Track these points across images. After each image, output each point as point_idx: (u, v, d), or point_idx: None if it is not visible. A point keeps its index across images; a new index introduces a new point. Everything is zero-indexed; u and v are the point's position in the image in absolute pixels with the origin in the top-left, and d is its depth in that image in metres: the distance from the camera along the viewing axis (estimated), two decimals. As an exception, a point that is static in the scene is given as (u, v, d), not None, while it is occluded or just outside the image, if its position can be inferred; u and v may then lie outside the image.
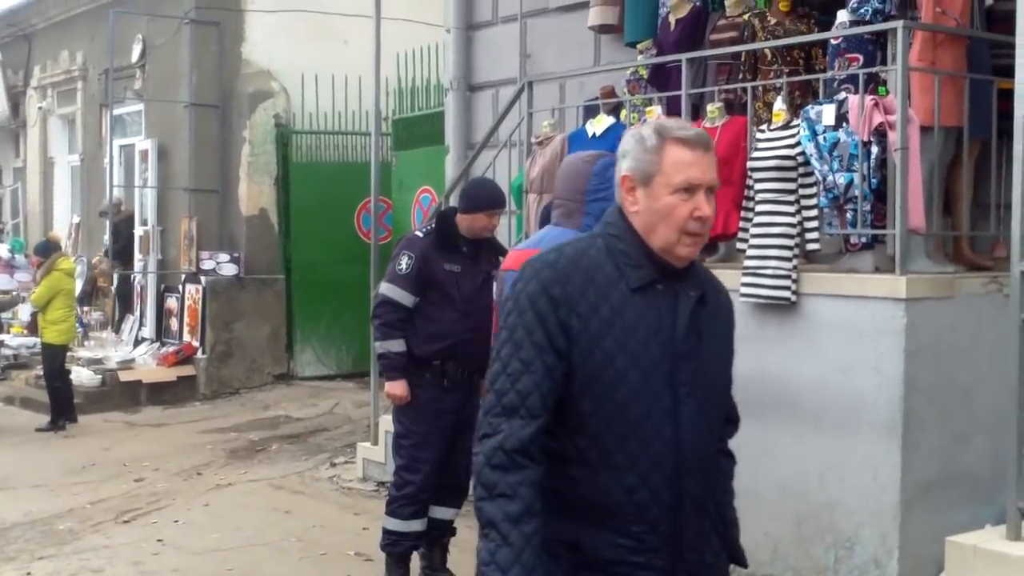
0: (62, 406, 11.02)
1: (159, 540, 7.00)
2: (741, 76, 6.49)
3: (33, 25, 16.56)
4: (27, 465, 9.36)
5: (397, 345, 5.54)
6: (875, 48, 5.69)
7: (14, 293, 14.48)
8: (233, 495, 8.19)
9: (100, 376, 12.10)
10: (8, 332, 14.49)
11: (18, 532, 7.31)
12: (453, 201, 6.72)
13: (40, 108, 16.61)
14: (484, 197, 5.63)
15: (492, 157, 7.79)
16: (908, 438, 5.11)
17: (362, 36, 9.69)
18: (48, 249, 11.58)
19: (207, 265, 12.55)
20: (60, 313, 11.03)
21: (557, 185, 3.88)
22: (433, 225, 5.71)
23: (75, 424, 11.02)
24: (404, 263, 5.54)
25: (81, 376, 11.82)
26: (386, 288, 5.60)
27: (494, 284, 3.97)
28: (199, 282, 12.55)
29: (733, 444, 6.10)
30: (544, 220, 5.53)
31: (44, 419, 11.06)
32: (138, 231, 13.69)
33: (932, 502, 5.23)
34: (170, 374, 12.36)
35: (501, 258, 5.89)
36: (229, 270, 12.56)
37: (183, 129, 12.87)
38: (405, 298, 5.53)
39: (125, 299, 13.93)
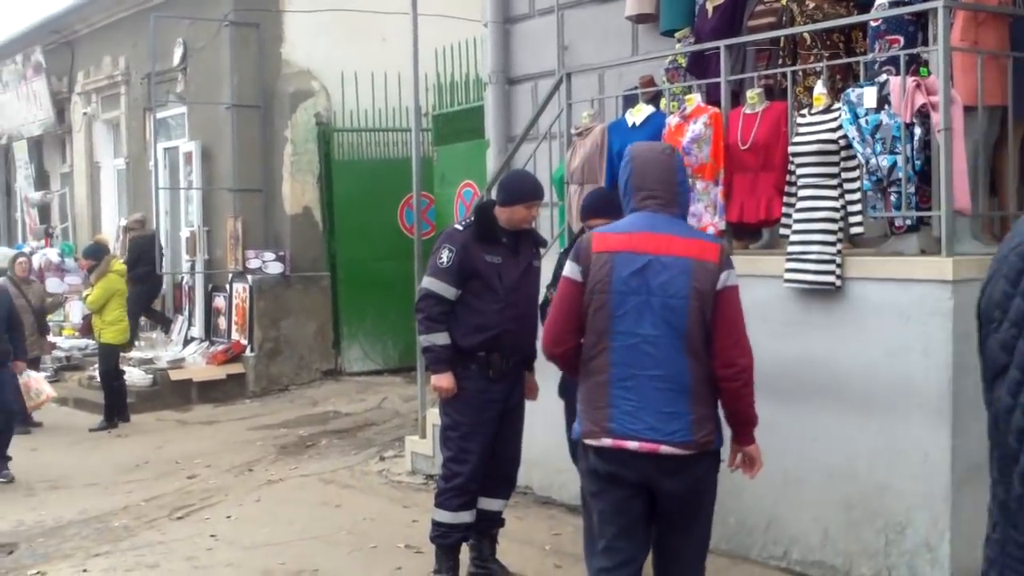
0: (117, 405, 11.20)
1: (212, 535, 7.08)
2: (781, 61, 6.45)
3: (76, 32, 16.77)
4: (82, 464, 9.51)
5: (441, 338, 5.57)
6: (916, 29, 5.63)
7: (63, 296, 14.69)
8: (284, 490, 8.26)
9: (151, 376, 12.26)
10: (61, 335, 14.71)
11: (74, 530, 7.43)
12: (494, 195, 6.74)
13: (85, 114, 16.81)
14: (522, 189, 5.66)
15: (532, 149, 7.80)
16: (958, 420, 5.07)
17: (400, 33, 9.72)
18: (99, 252, 11.77)
19: (253, 264, 12.67)
20: (117, 313, 11.23)
21: (648, 177, 3.96)
22: (472, 218, 5.73)
23: (128, 423, 11.18)
24: (445, 256, 5.57)
25: (133, 376, 11.98)
26: (428, 282, 5.63)
27: (571, 264, 3.97)
28: (246, 281, 12.67)
29: (779, 430, 6.11)
30: (589, 209, 5.55)
31: (97, 419, 11.23)
32: (184, 232, 13.84)
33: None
34: (220, 372, 12.50)
35: (541, 248, 5.93)
36: (275, 268, 12.67)
37: (226, 130, 12.99)
38: (447, 291, 5.56)
39: (136, 316, 13.00)
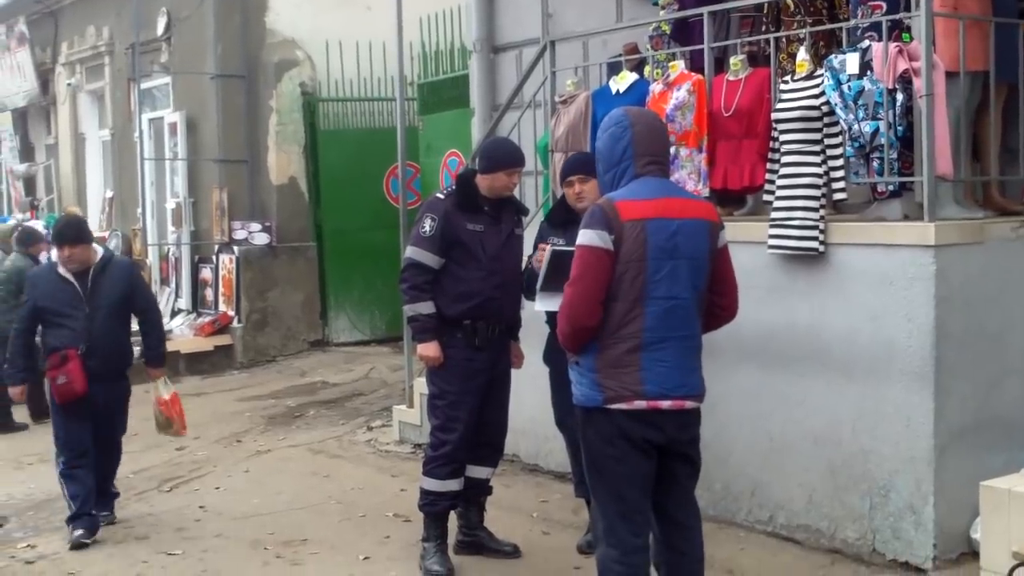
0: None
1: (201, 507, 7.11)
2: (764, 28, 6.45)
3: (59, 2, 16.63)
4: (70, 437, 9.48)
5: (426, 307, 5.58)
6: (898, -6, 5.63)
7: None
8: (272, 461, 8.30)
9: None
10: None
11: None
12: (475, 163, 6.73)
13: (69, 85, 16.71)
14: (502, 156, 5.66)
15: (517, 118, 7.79)
16: (940, 384, 5.11)
17: (385, 2, 9.66)
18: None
19: (239, 235, 12.64)
20: None
21: (653, 143, 4.10)
22: (454, 186, 5.73)
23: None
24: (427, 225, 5.57)
25: (120, 348, 11.91)
26: (411, 251, 5.63)
27: (597, 234, 3.96)
28: (232, 252, 12.64)
29: (763, 396, 6.14)
30: (568, 168, 5.53)
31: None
32: (169, 204, 13.80)
33: (966, 447, 5.23)
34: (207, 344, 12.49)
35: (523, 216, 5.92)
36: (261, 239, 12.65)
37: (210, 100, 12.92)
38: (431, 260, 5.56)
39: None
